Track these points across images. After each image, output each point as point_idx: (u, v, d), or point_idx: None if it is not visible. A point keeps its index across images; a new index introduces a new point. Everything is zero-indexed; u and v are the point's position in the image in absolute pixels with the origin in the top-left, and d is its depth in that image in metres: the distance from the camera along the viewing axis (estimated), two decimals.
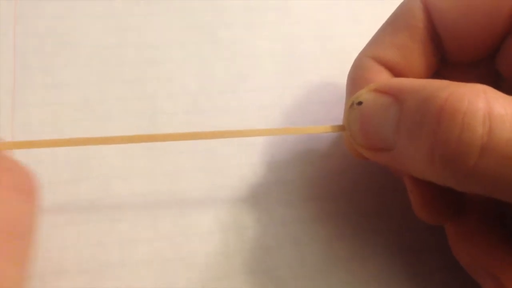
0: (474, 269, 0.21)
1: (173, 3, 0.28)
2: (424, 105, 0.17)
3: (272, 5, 0.29)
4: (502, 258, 0.19)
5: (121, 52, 0.27)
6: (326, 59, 0.28)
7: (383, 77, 0.21)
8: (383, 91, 0.19)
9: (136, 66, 0.27)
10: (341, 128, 0.21)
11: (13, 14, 0.27)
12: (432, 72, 0.23)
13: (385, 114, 0.19)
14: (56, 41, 0.26)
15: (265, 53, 0.28)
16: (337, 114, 0.27)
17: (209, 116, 0.26)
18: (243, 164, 0.25)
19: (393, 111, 0.18)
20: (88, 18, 0.27)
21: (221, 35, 0.28)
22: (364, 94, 0.20)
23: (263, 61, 0.28)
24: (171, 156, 0.25)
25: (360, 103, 0.20)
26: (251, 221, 0.24)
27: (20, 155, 0.23)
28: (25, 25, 0.27)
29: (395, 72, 0.22)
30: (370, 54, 0.22)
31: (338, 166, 0.26)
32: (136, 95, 0.26)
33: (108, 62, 0.26)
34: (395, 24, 0.22)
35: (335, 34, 0.29)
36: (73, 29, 0.27)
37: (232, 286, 0.23)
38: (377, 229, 0.24)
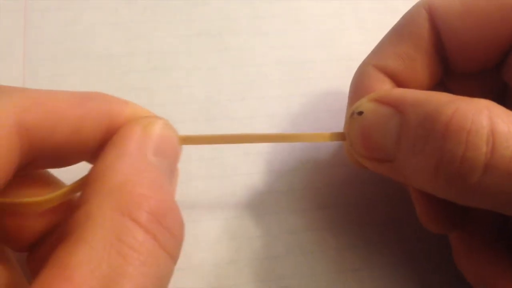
0: (475, 282, 0.21)
1: (181, 11, 0.28)
2: (428, 121, 0.17)
3: (279, 13, 0.29)
4: (502, 274, 0.19)
5: (129, 60, 0.27)
6: (332, 67, 0.28)
7: (385, 87, 0.21)
8: (384, 101, 0.19)
9: (144, 74, 0.27)
10: (341, 136, 0.21)
11: (23, 23, 0.27)
12: (436, 82, 0.22)
13: (385, 125, 0.19)
14: (64, 49, 0.27)
15: (272, 61, 0.28)
16: (343, 122, 0.27)
17: (218, 124, 0.26)
18: (252, 173, 0.25)
19: (394, 123, 0.18)
20: (97, 26, 0.27)
21: (229, 43, 0.28)
22: (365, 104, 0.20)
23: (270, 69, 0.28)
24: (179, 165, 0.25)
25: (360, 113, 0.20)
26: (260, 230, 0.24)
27: None
28: (34, 33, 0.27)
29: (398, 81, 0.22)
30: (373, 63, 0.22)
31: (347, 175, 0.26)
32: (144, 103, 0.26)
33: (116, 70, 0.27)
34: (399, 33, 0.22)
35: (341, 42, 0.29)
36: (81, 38, 0.27)
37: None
38: (386, 238, 0.25)
